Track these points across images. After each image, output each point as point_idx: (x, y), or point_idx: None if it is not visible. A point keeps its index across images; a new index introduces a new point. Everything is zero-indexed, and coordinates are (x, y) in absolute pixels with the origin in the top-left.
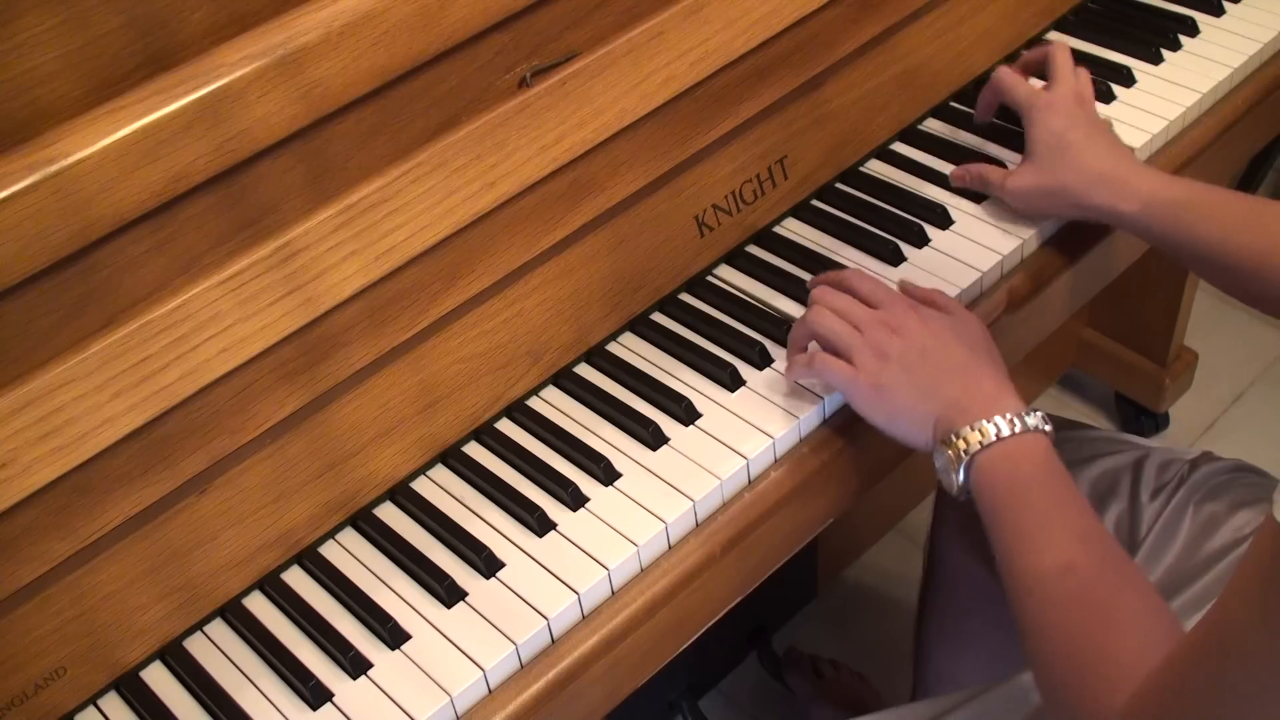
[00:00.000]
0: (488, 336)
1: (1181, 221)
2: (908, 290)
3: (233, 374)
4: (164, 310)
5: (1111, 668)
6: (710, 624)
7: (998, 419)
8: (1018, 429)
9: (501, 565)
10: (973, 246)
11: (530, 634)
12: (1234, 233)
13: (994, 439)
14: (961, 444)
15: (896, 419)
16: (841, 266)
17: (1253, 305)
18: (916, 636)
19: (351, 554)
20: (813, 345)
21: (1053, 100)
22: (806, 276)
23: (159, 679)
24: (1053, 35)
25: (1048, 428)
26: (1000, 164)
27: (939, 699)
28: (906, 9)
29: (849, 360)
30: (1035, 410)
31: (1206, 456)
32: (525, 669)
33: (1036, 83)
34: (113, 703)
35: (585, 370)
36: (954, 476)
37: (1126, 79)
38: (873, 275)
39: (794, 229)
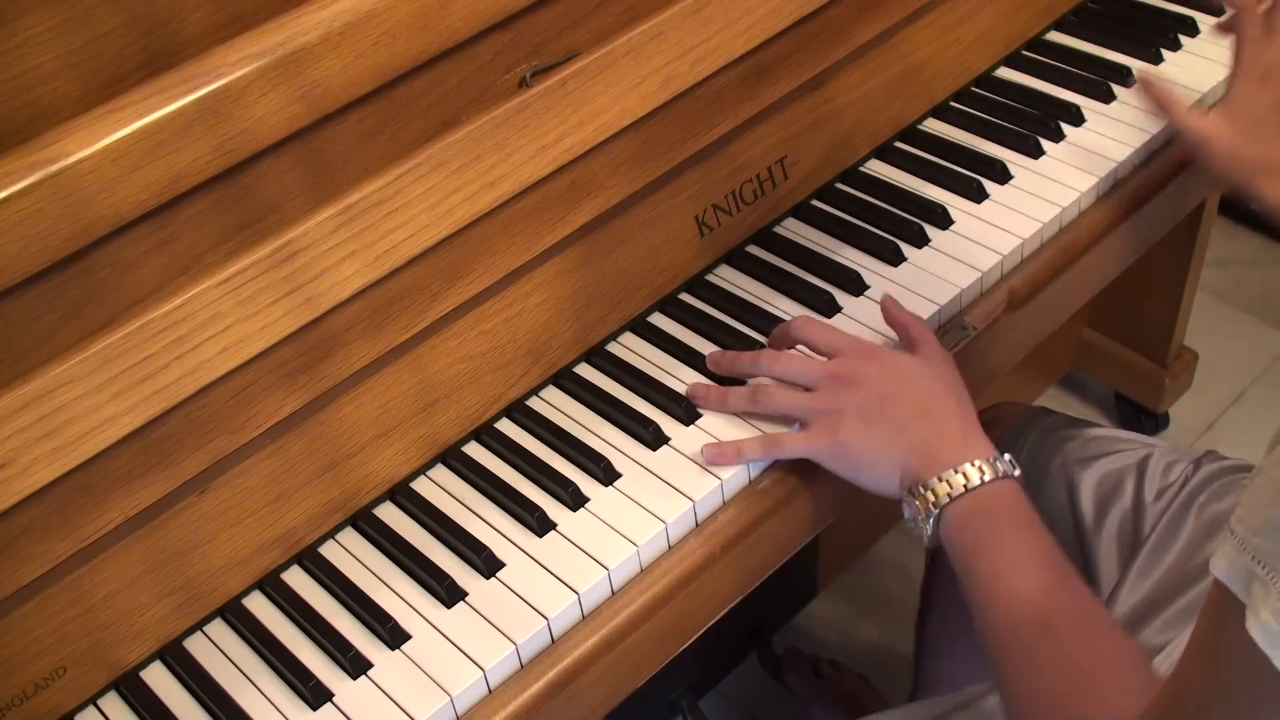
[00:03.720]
0: (488, 336)
1: None
2: (888, 311)
3: (233, 374)
4: (164, 310)
5: None
6: (710, 624)
7: (966, 467)
8: (987, 477)
9: (501, 565)
10: (973, 246)
11: (530, 634)
12: None
13: (963, 490)
14: (930, 495)
15: (862, 472)
16: (842, 266)
17: None
18: (917, 636)
19: (351, 554)
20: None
21: (1240, 89)
22: (807, 277)
23: (159, 679)
24: (1053, 35)
25: (1017, 472)
26: (999, 163)
27: (939, 699)
28: (906, 8)
29: (806, 427)
30: (1004, 455)
31: (1211, 455)
32: (525, 669)
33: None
34: (113, 703)
35: (585, 370)
36: (923, 528)
37: (1127, 79)
38: (822, 322)
39: (794, 229)
